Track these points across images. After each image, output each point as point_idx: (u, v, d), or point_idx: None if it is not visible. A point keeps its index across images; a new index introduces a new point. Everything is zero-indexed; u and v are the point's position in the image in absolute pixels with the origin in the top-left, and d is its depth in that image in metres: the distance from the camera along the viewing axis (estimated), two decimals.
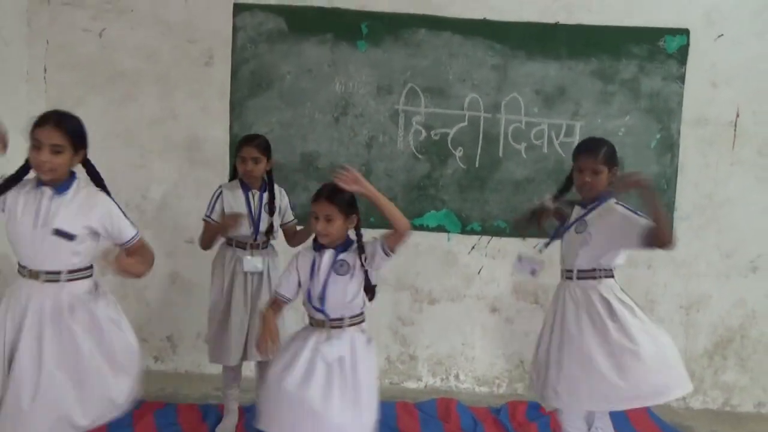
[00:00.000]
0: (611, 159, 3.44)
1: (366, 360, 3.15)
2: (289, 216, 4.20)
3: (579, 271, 3.46)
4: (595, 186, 3.41)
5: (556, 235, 3.55)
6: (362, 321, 3.23)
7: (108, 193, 3.14)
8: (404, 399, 4.74)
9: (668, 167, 4.92)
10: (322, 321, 3.14)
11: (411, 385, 5.16)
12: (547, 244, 3.63)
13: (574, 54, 4.89)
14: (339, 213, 3.12)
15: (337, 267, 3.14)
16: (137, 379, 3.17)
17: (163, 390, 4.80)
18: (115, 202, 3.11)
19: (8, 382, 2.91)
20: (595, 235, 3.39)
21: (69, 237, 2.94)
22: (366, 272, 3.17)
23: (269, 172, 4.10)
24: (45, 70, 5.00)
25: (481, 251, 5.06)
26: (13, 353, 2.94)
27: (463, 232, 5.04)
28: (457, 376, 5.16)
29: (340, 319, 3.15)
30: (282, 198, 4.16)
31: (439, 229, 5.03)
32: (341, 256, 3.16)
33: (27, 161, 3.00)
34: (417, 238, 5.03)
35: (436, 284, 5.11)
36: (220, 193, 4.09)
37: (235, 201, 4.05)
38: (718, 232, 5.00)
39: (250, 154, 3.97)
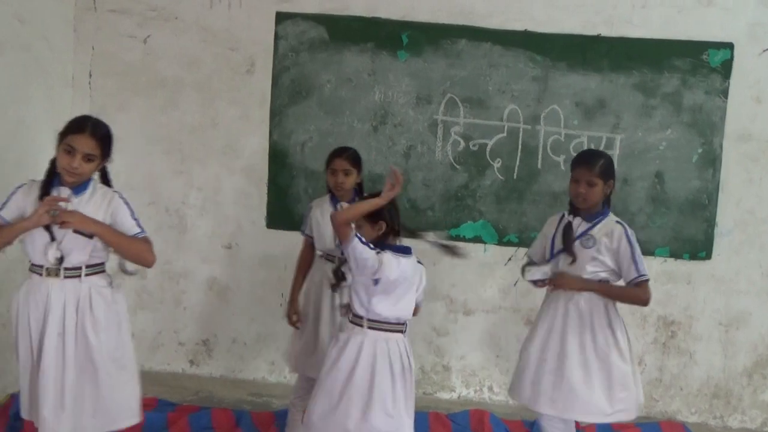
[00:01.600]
0: (607, 172, 3.44)
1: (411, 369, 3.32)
2: None
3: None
4: (590, 198, 3.41)
5: (566, 248, 3.46)
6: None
7: (122, 195, 3.20)
8: (437, 410, 4.72)
9: (710, 182, 4.86)
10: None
11: (444, 395, 5.14)
12: (555, 255, 3.54)
13: (616, 67, 4.85)
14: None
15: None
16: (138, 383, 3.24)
17: (198, 394, 4.84)
18: (128, 203, 3.17)
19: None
20: (603, 253, 3.42)
21: (88, 235, 2.99)
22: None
23: (359, 185, 4.03)
24: (90, 75, 5.08)
25: (518, 263, 5.01)
26: (40, 352, 3.00)
27: (500, 243, 5.02)
28: (490, 388, 5.14)
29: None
30: None
31: (476, 240, 5.01)
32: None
33: (52, 163, 3.04)
34: None
35: (472, 295, 5.09)
36: (311, 208, 4.09)
37: (323, 215, 3.97)
38: (760, 249, 4.92)
39: (341, 167, 3.91)
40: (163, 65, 5.07)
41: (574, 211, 3.51)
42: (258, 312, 5.16)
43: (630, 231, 3.44)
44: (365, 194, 4.02)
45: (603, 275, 3.44)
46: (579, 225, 3.48)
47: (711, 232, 4.88)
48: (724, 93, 4.82)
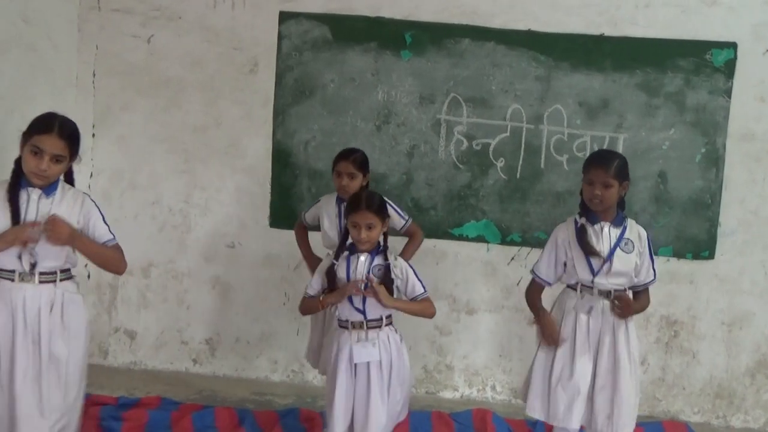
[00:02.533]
0: (622, 173, 3.37)
1: (403, 358, 3.34)
2: (400, 222, 4.17)
3: (616, 290, 3.41)
4: (606, 200, 3.32)
5: (587, 251, 3.36)
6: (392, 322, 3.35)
7: (91, 198, 3.13)
8: (440, 409, 4.73)
9: (713, 182, 4.85)
10: (360, 323, 3.24)
11: (447, 395, 5.15)
12: (604, 263, 3.36)
13: (619, 66, 4.84)
14: (379, 220, 3.23)
15: (375, 271, 3.24)
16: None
17: (201, 393, 4.85)
18: (98, 207, 3.10)
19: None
20: (639, 258, 3.40)
21: None
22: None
23: (366, 187, 4.05)
24: (94, 75, 5.09)
25: (521, 262, 5.03)
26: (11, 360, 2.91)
27: (503, 242, 5.02)
28: (493, 387, 5.14)
29: (379, 320, 3.26)
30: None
31: (479, 239, 5.01)
32: (377, 260, 3.27)
33: (17, 163, 2.93)
34: (456, 247, 5.03)
35: (475, 294, 5.09)
36: (319, 201, 4.24)
37: (328, 212, 4.09)
38: (763, 249, 4.91)
39: (346, 170, 3.96)
40: (167, 65, 5.08)
41: (589, 214, 3.42)
42: (261, 311, 5.17)
43: (649, 234, 3.47)
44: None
45: (625, 282, 3.43)
46: (609, 230, 3.38)
47: (714, 232, 4.87)
48: (728, 93, 4.81)
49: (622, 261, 3.36)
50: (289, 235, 4.81)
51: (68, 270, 3.05)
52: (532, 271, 3.63)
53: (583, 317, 3.41)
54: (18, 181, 2.92)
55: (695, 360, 5.00)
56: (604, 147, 4.85)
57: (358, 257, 3.27)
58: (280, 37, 4.99)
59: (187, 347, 5.25)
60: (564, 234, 3.49)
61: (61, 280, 2.99)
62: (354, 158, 4.00)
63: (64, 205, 2.96)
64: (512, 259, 5.04)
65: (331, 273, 3.28)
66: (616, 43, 4.84)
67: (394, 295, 3.27)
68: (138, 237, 5.14)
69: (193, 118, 5.08)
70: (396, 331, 3.35)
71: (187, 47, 5.05)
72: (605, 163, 3.34)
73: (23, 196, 2.90)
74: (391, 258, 3.30)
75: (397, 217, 4.14)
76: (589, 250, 3.35)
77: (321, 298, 3.29)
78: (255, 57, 5.03)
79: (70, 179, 3.10)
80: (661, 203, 4.88)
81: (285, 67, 5.01)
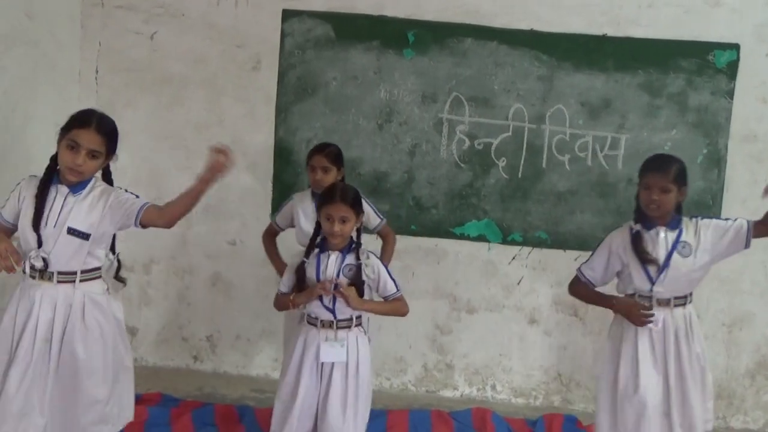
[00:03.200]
0: (681, 177, 3.27)
1: (367, 361, 3.28)
2: (376, 220, 4.16)
3: (676, 297, 3.35)
4: (664, 205, 3.24)
5: (667, 261, 3.28)
6: (361, 323, 3.31)
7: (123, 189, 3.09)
8: (440, 408, 4.73)
9: (714, 183, 4.85)
10: (330, 321, 3.19)
11: (447, 393, 5.15)
12: (661, 270, 3.30)
13: (621, 67, 4.85)
14: (353, 214, 3.15)
15: (345, 271, 3.17)
16: (125, 399, 3.17)
17: (201, 390, 4.86)
18: (127, 191, 3.09)
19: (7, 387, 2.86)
20: (700, 256, 3.32)
21: (83, 236, 2.90)
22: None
23: (342, 181, 4.03)
24: (96, 71, 5.09)
25: (522, 262, 5.04)
26: (13, 355, 2.88)
27: (504, 242, 5.02)
28: (493, 387, 5.14)
29: (349, 319, 3.21)
30: None
31: (480, 238, 5.01)
32: (348, 259, 3.20)
33: (53, 160, 2.93)
34: (457, 246, 5.04)
35: (475, 294, 5.09)
36: (291, 199, 4.18)
37: (305, 211, 4.05)
38: (764, 250, 4.89)
39: (320, 164, 3.95)
40: (170, 62, 5.08)
41: (644, 220, 3.34)
42: (262, 308, 5.15)
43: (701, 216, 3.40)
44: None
45: (701, 275, 3.40)
46: (666, 235, 3.30)
47: None
48: (730, 94, 4.81)
49: (679, 266, 3.29)
50: (291, 233, 4.81)
51: (93, 270, 3.00)
52: (579, 270, 3.55)
53: (645, 329, 3.32)
54: (50, 177, 2.91)
55: None
56: (606, 147, 4.86)
57: (329, 256, 3.20)
58: (282, 35, 4.99)
59: (187, 344, 5.26)
60: (619, 241, 3.41)
61: (81, 281, 2.94)
62: (327, 152, 3.99)
63: (87, 202, 2.93)
64: (513, 258, 5.05)
65: (300, 271, 3.20)
66: (619, 44, 4.84)
67: (366, 294, 3.21)
68: (139, 233, 5.08)
69: (196, 116, 5.09)
70: (365, 332, 3.31)
71: (190, 44, 5.06)
72: (664, 168, 3.26)
73: (52, 193, 2.89)
74: (363, 257, 3.21)
75: (373, 215, 4.14)
76: (645, 258, 3.28)
77: (291, 297, 3.22)
78: (258, 54, 5.04)
79: (108, 179, 3.10)
80: None
81: (287, 65, 5.01)
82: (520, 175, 4.96)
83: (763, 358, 4.98)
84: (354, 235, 3.25)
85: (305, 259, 3.21)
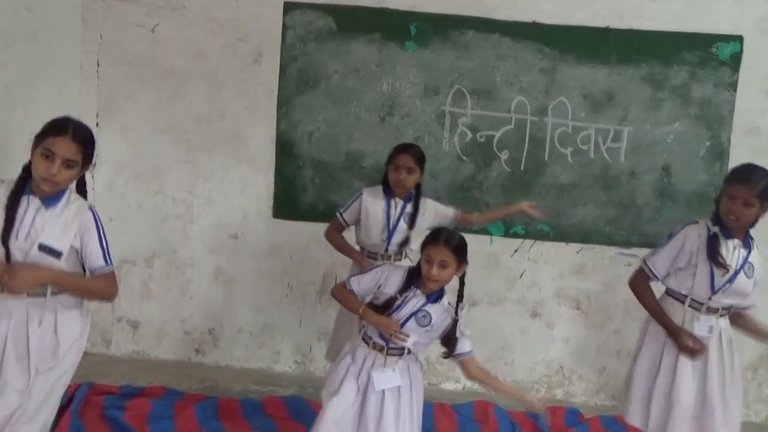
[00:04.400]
0: (766, 194, 3.15)
1: (420, 388, 3.19)
2: (449, 212, 4.10)
3: (723, 308, 3.34)
4: (743, 218, 3.18)
5: (714, 261, 3.22)
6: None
7: (96, 214, 2.87)
8: (442, 400, 4.73)
9: (717, 176, 4.84)
10: (381, 346, 3.09)
11: (449, 386, 5.15)
12: (727, 282, 3.25)
13: (624, 59, 4.83)
14: (455, 261, 2.99)
15: (419, 317, 3.03)
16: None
17: (204, 383, 4.86)
18: (100, 226, 2.84)
19: None
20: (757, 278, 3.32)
21: (55, 254, 2.73)
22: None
23: (418, 184, 4.00)
24: (98, 64, 5.08)
25: (524, 255, 5.03)
26: None
27: (506, 235, 5.02)
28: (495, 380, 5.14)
29: (401, 349, 3.09)
30: (426, 212, 4.01)
31: (482, 231, 5.01)
32: (428, 307, 3.05)
33: (25, 169, 2.77)
34: None
35: (477, 287, 5.08)
36: (360, 194, 4.04)
37: (374, 206, 3.97)
38: (766, 243, 4.88)
39: (406, 163, 3.87)
40: (171, 55, 5.07)
41: (722, 228, 3.27)
42: (264, 302, 5.17)
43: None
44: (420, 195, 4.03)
45: (735, 303, 3.38)
46: (739, 250, 3.27)
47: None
48: (733, 86, 4.80)
49: (742, 283, 3.26)
50: (293, 226, 4.83)
51: None
52: (644, 261, 3.43)
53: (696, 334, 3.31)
54: (23, 186, 2.76)
55: None
56: (609, 140, 4.85)
57: (414, 297, 3.03)
58: (284, 28, 4.98)
59: (189, 337, 5.26)
60: (694, 239, 3.30)
61: (53, 294, 2.77)
62: (414, 152, 3.91)
63: (61, 220, 2.76)
64: (515, 251, 5.04)
65: (389, 303, 3.04)
66: (622, 36, 4.82)
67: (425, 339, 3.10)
68: (141, 227, 5.15)
69: (197, 109, 5.08)
70: (416, 359, 3.18)
71: (192, 37, 5.04)
72: (751, 181, 3.15)
73: (23, 204, 2.73)
74: (461, 311, 3.07)
75: (444, 208, 4.10)
76: (718, 262, 3.21)
77: (361, 310, 3.09)
78: (259, 47, 5.02)
79: (82, 190, 2.94)
80: (664, 197, 4.88)
81: (289, 58, 4.99)
82: (522, 168, 4.95)
83: (765, 352, 4.98)
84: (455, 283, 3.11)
85: (398, 296, 3.04)
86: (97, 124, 5.10)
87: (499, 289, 5.08)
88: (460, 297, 3.07)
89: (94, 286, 2.85)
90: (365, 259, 3.97)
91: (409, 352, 3.10)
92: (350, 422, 3.04)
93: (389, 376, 3.04)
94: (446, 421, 4.43)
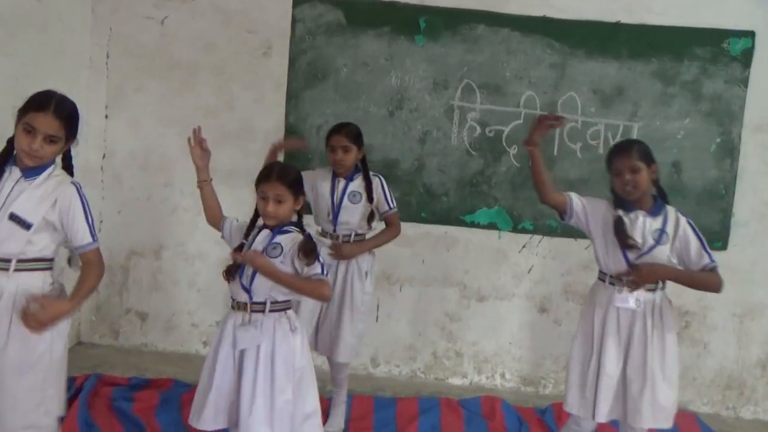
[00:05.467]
0: (647, 156, 3.27)
1: (284, 350, 3.00)
2: (384, 206, 4.07)
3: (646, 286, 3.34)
4: (639, 184, 3.22)
5: (623, 244, 3.26)
6: (288, 308, 3.07)
7: (80, 188, 2.81)
8: (449, 395, 4.73)
9: (727, 172, 4.82)
10: (244, 304, 3.01)
11: (456, 381, 5.15)
12: (640, 255, 3.28)
13: (635, 54, 4.81)
14: (290, 194, 3.00)
15: (269, 250, 2.97)
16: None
17: None
18: (84, 202, 2.78)
19: None
20: (674, 249, 3.31)
21: (25, 225, 2.66)
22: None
23: (363, 160, 4.03)
24: (107, 56, 5.08)
25: (532, 250, 5.02)
26: None
27: (515, 230, 5.00)
28: (503, 375, 5.14)
29: (263, 303, 3.00)
30: (375, 189, 4.02)
31: (491, 226, 5.00)
32: (277, 238, 3.00)
33: (9, 143, 2.74)
34: (467, 234, 5.02)
35: (485, 282, 5.08)
36: (310, 177, 3.98)
37: (321, 188, 4.00)
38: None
39: (340, 143, 3.90)
40: (180, 47, 5.07)
41: (624, 204, 3.31)
42: None
43: (690, 220, 3.35)
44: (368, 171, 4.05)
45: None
46: (644, 221, 3.28)
47: (727, 223, 4.85)
48: (744, 82, 4.77)
49: (656, 255, 3.27)
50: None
51: (34, 260, 2.74)
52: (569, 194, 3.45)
53: (612, 311, 3.34)
54: (5, 161, 2.73)
55: (706, 351, 4.98)
56: (618, 135, 4.83)
57: (260, 232, 3.06)
58: (293, 21, 4.97)
59: (197, 330, 5.27)
60: (604, 212, 3.37)
61: (16, 270, 2.69)
62: (347, 131, 3.94)
63: (38, 192, 2.70)
64: (524, 246, 5.03)
65: (239, 250, 3.03)
66: (632, 31, 4.80)
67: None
68: (150, 219, 5.16)
69: (206, 101, 5.08)
70: (289, 320, 3.04)
71: (201, 30, 5.04)
72: (627, 149, 3.28)
73: (6, 173, 2.71)
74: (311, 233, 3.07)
75: (383, 201, 4.07)
76: (626, 244, 3.26)
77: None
78: (268, 40, 5.02)
79: (68, 165, 2.87)
80: (674, 193, 4.82)
81: (298, 51, 4.99)
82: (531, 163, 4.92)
83: None
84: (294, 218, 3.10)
85: (244, 241, 3.07)
86: (106, 116, 5.11)
87: (507, 284, 5.07)
88: (302, 229, 3.05)
89: (87, 282, 2.77)
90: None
91: (276, 305, 3.01)
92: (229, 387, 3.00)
93: (252, 334, 2.95)
94: (453, 417, 4.42)
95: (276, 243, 2.99)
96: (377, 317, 5.12)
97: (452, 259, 5.05)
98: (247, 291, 2.98)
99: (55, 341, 2.79)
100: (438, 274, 5.07)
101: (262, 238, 3.03)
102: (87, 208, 2.78)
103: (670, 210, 3.36)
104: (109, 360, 4.93)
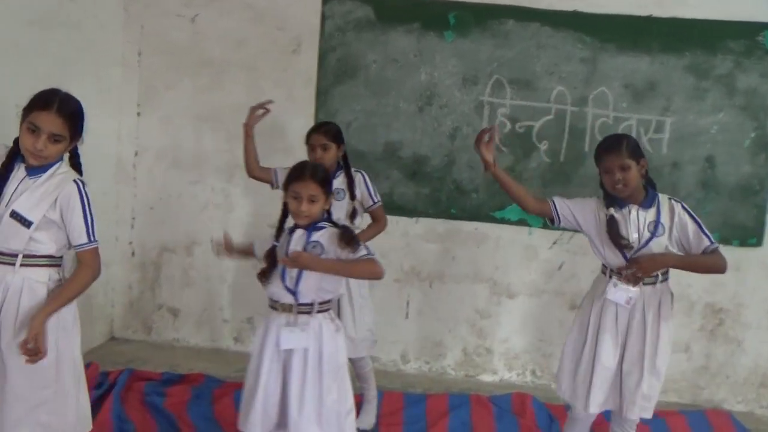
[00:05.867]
0: (636, 151, 3.24)
1: (330, 350, 3.01)
2: (369, 201, 4.08)
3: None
4: (629, 182, 3.19)
5: (617, 244, 3.26)
6: (330, 308, 3.09)
7: (82, 186, 2.78)
8: (479, 392, 4.72)
9: (762, 167, 4.75)
10: (290, 305, 2.99)
11: (486, 378, 5.14)
12: (637, 251, 3.26)
13: (667, 48, 4.75)
14: (323, 193, 2.98)
15: (309, 248, 2.94)
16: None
17: (242, 371, 4.87)
18: (85, 200, 2.76)
19: None
20: (672, 237, 3.28)
21: (26, 223, 2.67)
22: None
23: (344, 158, 4.06)
24: (139, 54, 5.13)
25: (563, 246, 4.99)
26: None
27: (545, 226, 4.95)
28: (533, 372, 5.11)
29: (310, 304, 3.00)
30: (358, 184, 4.06)
31: (521, 222, 4.97)
32: (313, 236, 2.98)
33: (16, 143, 2.73)
34: (497, 231, 5.00)
35: (515, 278, 5.06)
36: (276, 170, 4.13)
37: None
38: None
39: (318, 142, 3.93)
40: (210, 44, 5.10)
41: (615, 200, 3.30)
42: None
43: (684, 203, 3.32)
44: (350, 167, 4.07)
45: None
46: (638, 215, 3.26)
47: (762, 219, 4.78)
48: None
49: (652, 247, 3.25)
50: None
51: (39, 257, 2.75)
52: (552, 199, 3.42)
53: (610, 303, 3.33)
54: (12, 161, 2.73)
55: (740, 348, 4.92)
56: (651, 131, 4.78)
57: (294, 231, 3.01)
58: (323, 18, 4.98)
59: (228, 325, 5.31)
60: (595, 210, 3.36)
61: (23, 265, 2.71)
62: (325, 129, 3.97)
63: (40, 190, 2.70)
64: (554, 243, 5.00)
65: (271, 256, 3.03)
66: (665, 24, 4.74)
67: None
68: (181, 216, 5.21)
69: (236, 98, 5.09)
70: (333, 320, 3.06)
71: (231, 27, 5.07)
72: (616, 147, 3.23)
73: (14, 171, 2.71)
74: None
75: (367, 196, 4.07)
76: (621, 245, 3.26)
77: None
78: (298, 37, 5.03)
79: (76, 163, 2.86)
80: (708, 188, 4.79)
81: (328, 48, 5.00)
82: (562, 159, 4.90)
83: None
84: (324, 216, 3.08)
85: (276, 243, 3.05)
86: (138, 113, 5.16)
87: (537, 281, 5.05)
88: (335, 223, 3.05)
89: (76, 283, 2.77)
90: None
91: (323, 306, 3.03)
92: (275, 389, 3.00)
93: (297, 336, 2.95)
94: (483, 413, 4.41)
95: (314, 242, 2.98)
96: (407, 314, 5.12)
97: (482, 255, 5.03)
98: (293, 293, 2.98)
99: (62, 353, 2.78)
100: (468, 271, 5.06)
101: (297, 238, 3.01)
102: (87, 207, 2.76)
103: (663, 198, 3.33)
104: (141, 355, 4.99)
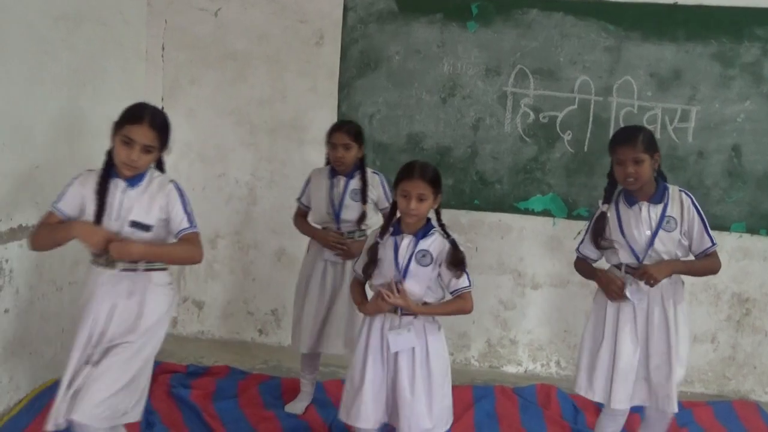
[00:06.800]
0: (651, 145, 3.20)
1: (436, 348, 3.10)
2: (384, 203, 4.05)
3: None
4: (641, 176, 3.17)
5: (654, 237, 3.24)
6: None
7: (178, 184, 3.07)
8: (503, 383, 4.72)
9: None
10: (393, 308, 3.05)
11: (511, 369, 5.13)
12: (648, 248, 3.25)
13: (692, 36, 4.70)
14: (432, 192, 3.01)
15: (419, 258, 3.01)
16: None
17: (267, 363, 4.93)
18: (183, 195, 3.04)
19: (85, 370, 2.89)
20: (683, 231, 3.27)
21: (146, 228, 2.92)
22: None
23: (361, 159, 4.02)
24: (163, 48, 5.16)
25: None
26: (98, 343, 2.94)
27: (569, 217, 4.95)
28: (558, 363, 5.10)
29: None
30: (375, 186, 4.04)
31: (545, 213, 4.95)
32: (422, 244, 3.03)
33: (109, 155, 2.95)
34: (521, 222, 4.98)
35: (540, 269, 5.04)
36: (309, 179, 4.13)
37: (318, 186, 4.03)
38: None
39: (341, 141, 3.90)
40: (234, 38, 5.12)
41: (626, 195, 3.30)
42: None
43: (694, 198, 3.30)
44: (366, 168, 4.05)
45: (680, 254, 3.31)
46: (649, 210, 3.25)
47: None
48: None
49: (664, 242, 3.24)
50: None
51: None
52: (577, 250, 3.56)
53: (628, 298, 3.31)
54: (109, 172, 2.94)
55: (767, 339, 4.87)
56: (676, 120, 4.74)
57: (403, 238, 3.04)
58: (345, 10, 4.98)
59: (253, 318, 5.34)
60: (605, 223, 3.38)
61: (145, 270, 2.98)
62: (348, 128, 3.94)
63: (147, 195, 2.96)
64: (579, 233, 4.96)
65: (373, 252, 3.07)
66: (690, 12, 4.69)
67: (433, 293, 3.09)
68: (205, 209, 5.21)
69: (259, 92, 5.12)
70: (434, 319, 3.13)
71: (254, 20, 5.08)
72: (632, 139, 3.19)
73: (111, 187, 2.92)
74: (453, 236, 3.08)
75: (383, 198, 4.06)
76: (597, 243, 3.35)
77: (360, 308, 3.18)
78: (320, 30, 5.04)
79: (160, 167, 3.13)
80: (734, 178, 4.75)
81: (350, 40, 5.00)
82: (586, 149, 4.87)
83: None
84: (433, 217, 3.12)
85: (379, 240, 3.09)
86: (162, 108, 5.16)
87: (562, 271, 5.02)
88: (442, 225, 3.11)
89: (178, 251, 3.01)
90: (329, 234, 4.00)
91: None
92: (381, 389, 3.08)
93: (404, 338, 3.02)
94: (508, 405, 4.41)
95: (424, 251, 3.03)
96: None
97: (506, 246, 5.02)
98: None
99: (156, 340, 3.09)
100: (492, 262, 5.05)
101: (406, 245, 3.05)
102: (185, 200, 3.03)
103: (674, 190, 3.31)
104: (167, 348, 4.96)
